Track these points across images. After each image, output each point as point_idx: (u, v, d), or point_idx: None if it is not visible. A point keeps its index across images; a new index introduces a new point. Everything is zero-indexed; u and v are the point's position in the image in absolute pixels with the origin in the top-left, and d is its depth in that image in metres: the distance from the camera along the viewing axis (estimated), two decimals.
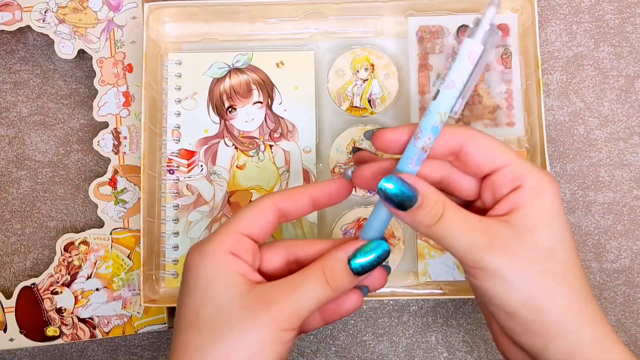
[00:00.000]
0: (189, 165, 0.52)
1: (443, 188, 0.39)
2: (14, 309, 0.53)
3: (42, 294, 0.53)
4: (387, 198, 0.35)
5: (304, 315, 0.35)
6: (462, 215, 0.36)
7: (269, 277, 0.38)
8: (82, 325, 0.52)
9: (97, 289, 0.53)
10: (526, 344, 0.36)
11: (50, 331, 0.52)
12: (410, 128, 0.37)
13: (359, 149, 0.38)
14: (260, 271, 0.38)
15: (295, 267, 0.38)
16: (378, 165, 0.38)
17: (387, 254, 0.37)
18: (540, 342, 0.35)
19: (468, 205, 0.39)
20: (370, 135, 0.39)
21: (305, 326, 0.39)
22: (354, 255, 0.37)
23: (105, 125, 0.54)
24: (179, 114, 0.52)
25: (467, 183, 0.39)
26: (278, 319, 0.34)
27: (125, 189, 0.53)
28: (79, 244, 0.53)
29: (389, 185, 0.35)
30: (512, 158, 0.37)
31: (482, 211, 0.38)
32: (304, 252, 0.39)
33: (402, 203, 0.35)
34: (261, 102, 0.52)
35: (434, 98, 0.35)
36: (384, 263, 0.37)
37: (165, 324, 0.52)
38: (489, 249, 0.35)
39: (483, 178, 0.38)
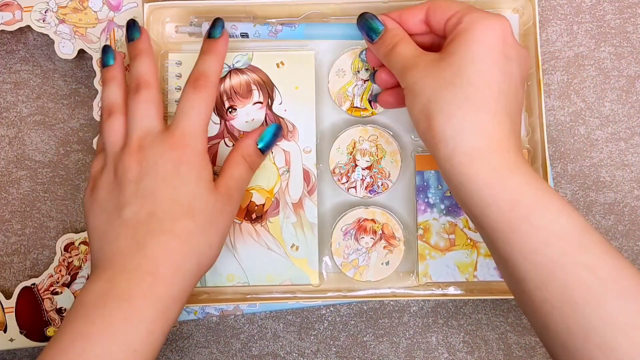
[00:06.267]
0: None
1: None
2: (14, 309, 0.53)
3: (42, 294, 0.53)
4: (362, 24, 0.47)
5: (235, 187, 0.47)
6: (411, 47, 0.44)
7: None
8: None
9: None
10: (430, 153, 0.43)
11: (51, 331, 0.52)
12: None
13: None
14: None
15: None
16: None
17: (280, 129, 0.50)
18: (431, 150, 0.41)
19: None
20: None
21: None
22: (260, 139, 0.49)
23: None
24: None
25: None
26: (236, 209, 0.47)
27: None
28: (79, 244, 0.53)
29: (366, 14, 0.47)
30: (460, 6, 0.43)
31: None
32: None
33: (371, 29, 0.46)
34: (261, 103, 0.52)
35: None
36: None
37: None
38: (412, 69, 0.42)
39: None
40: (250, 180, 0.50)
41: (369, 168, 0.51)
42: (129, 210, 0.43)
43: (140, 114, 0.46)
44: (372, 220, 0.51)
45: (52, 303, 0.53)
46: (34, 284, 0.53)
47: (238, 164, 0.48)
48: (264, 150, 0.49)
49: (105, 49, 0.49)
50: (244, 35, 0.51)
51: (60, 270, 0.53)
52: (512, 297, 0.49)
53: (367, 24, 0.46)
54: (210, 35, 0.49)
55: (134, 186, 0.44)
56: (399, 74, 0.44)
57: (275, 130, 0.50)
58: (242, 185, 0.48)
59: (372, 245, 0.51)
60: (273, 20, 0.53)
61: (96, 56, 0.53)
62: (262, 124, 0.52)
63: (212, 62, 0.48)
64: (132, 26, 0.49)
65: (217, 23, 0.49)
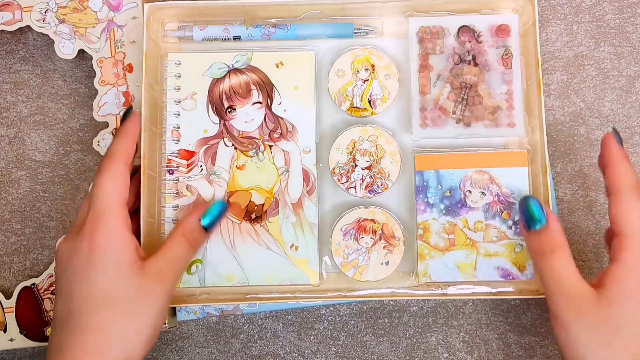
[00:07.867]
0: (188, 165, 0.52)
1: None
2: (14, 309, 0.53)
3: (42, 294, 0.53)
4: (523, 208, 0.45)
5: (168, 267, 0.46)
6: (568, 265, 0.42)
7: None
8: None
9: None
10: None
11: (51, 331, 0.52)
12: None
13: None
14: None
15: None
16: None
17: (225, 207, 0.49)
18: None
19: None
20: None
21: None
22: (204, 216, 0.48)
23: (105, 125, 0.54)
24: (178, 115, 0.52)
25: None
26: (169, 290, 0.45)
27: None
28: None
29: (531, 200, 0.45)
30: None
31: None
32: None
33: (531, 219, 0.44)
34: (260, 103, 0.52)
35: None
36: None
37: (165, 324, 0.52)
38: (567, 306, 0.42)
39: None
40: (193, 257, 0.50)
41: (368, 168, 0.51)
42: (55, 309, 0.45)
43: (88, 201, 0.46)
44: (372, 220, 0.51)
45: (52, 303, 0.53)
46: (34, 284, 0.53)
47: (175, 243, 0.47)
48: (207, 228, 0.48)
49: (128, 110, 0.50)
50: (237, 38, 0.51)
51: None
52: (512, 297, 0.50)
53: (528, 211, 0.45)
54: (123, 119, 0.49)
55: (57, 284, 0.45)
56: (547, 289, 0.43)
57: (222, 209, 0.49)
58: (178, 265, 0.47)
59: (372, 245, 0.51)
60: (273, 20, 0.53)
61: (96, 56, 0.53)
62: (211, 200, 0.51)
63: (122, 142, 0.47)
64: (127, 111, 0.50)
65: (127, 111, 0.50)
